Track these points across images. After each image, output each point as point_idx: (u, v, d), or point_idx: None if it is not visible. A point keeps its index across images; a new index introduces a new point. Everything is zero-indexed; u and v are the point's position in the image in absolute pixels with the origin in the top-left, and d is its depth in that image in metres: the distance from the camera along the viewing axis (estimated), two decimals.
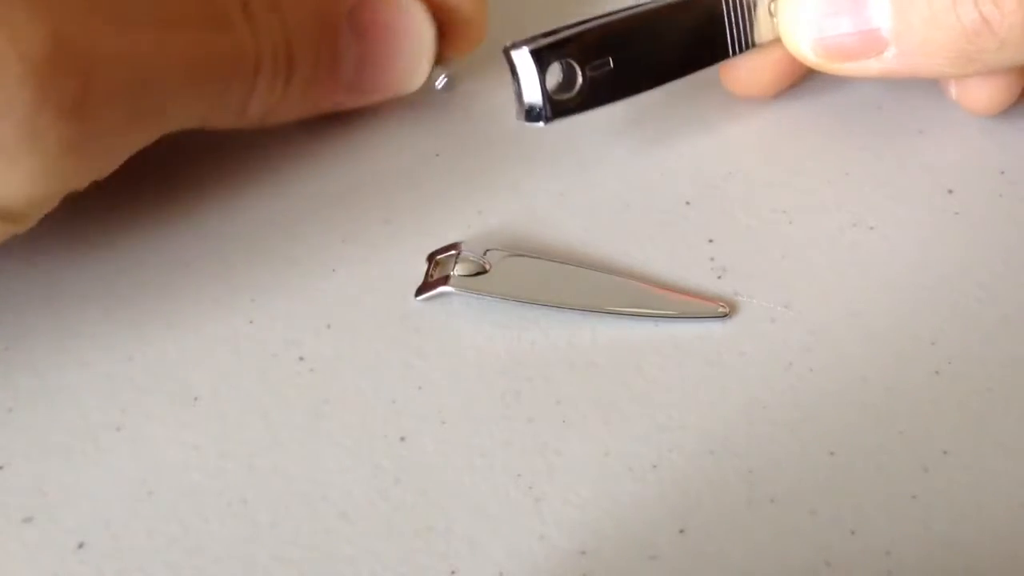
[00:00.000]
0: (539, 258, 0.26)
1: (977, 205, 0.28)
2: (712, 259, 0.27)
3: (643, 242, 0.27)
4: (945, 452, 0.22)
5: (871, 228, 0.27)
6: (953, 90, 0.29)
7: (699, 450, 0.23)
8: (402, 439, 0.23)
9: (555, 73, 0.26)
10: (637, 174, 0.29)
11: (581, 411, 0.24)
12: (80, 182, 0.23)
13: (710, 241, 0.27)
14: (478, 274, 0.26)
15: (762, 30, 0.28)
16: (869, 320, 0.25)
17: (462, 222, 0.28)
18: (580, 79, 0.26)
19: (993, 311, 0.25)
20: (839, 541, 0.21)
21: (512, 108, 0.27)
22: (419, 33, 0.29)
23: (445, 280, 0.26)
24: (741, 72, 0.30)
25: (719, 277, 0.26)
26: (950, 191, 0.28)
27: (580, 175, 0.29)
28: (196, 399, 0.24)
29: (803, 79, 0.31)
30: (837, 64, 0.27)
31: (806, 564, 0.21)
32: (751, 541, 0.21)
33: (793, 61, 0.29)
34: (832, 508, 0.22)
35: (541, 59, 0.26)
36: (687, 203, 0.28)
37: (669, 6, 0.27)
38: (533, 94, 0.26)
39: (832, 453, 0.23)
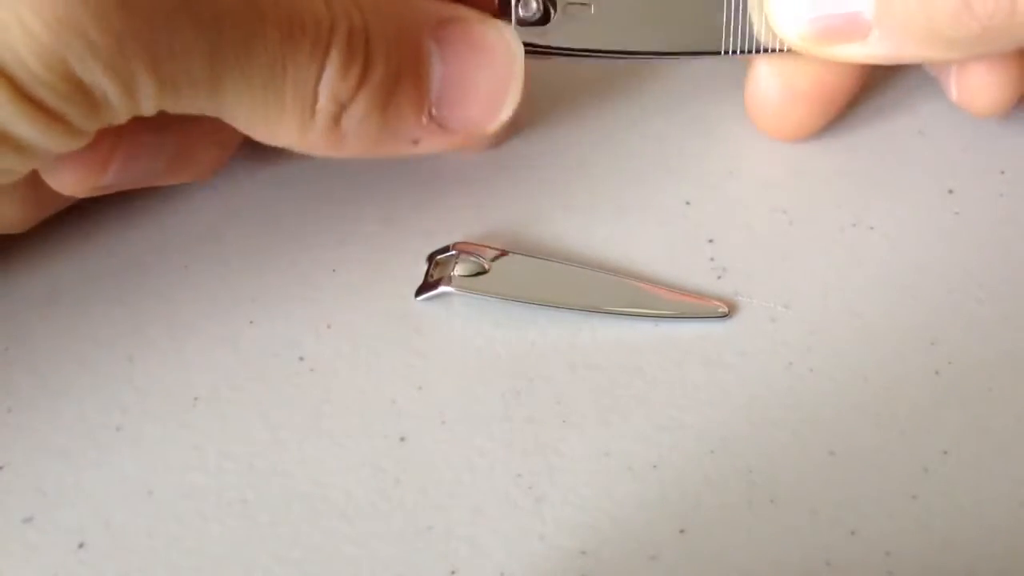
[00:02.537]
0: (539, 258, 0.26)
1: (977, 205, 0.28)
2: (712, 259, 0.27)
3: (643, 242, 0.27)
4: (945, 452, 0.22)
5: (871, 228, 0.27)
6: (954, 91, 0.29)
7: (699, 450, 0.23)
8: (402, 439, 0.23)
9: (534, 2, 0.26)
10: (637, 174, 0.29)
11: (581, 411, 0.24)
12: (113, 70, 0.20)
13: (710, 241, 0.27)
14: (478, 274, 0.26)
15: (754, 18, 0.27)
16: (869, 320, 0.25)
17: (462, 222, 0.28)
18: (554, 11, 0.26)
19: (993, 311, 0.25)
20: (839, 541, 0.21)
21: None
22: (511, 59, 0.26)
23: (445, 280, 0.26)
24: (770, 112, 0.29)
25: (719, 277, 0.26)
26: (950, 191, 0.28)
27: (580, 175, 0.29)
28: (196, 399, 0.24)
29: (836, 119, 0.30)
30: (821, 47, 0.27)
31: (806, 564, 0.21)
32: (751, 541, 0.21)
33: (826, 101, 0.28)
34: (832, 508, 0.22)
35: None
36: (687, 203, 0.28)
37: None
38: (504, 10, 0.26)
39: (832, 453, 0.23)
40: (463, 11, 0.25)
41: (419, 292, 0.26)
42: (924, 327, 0.25)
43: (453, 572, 0.21)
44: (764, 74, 0.28)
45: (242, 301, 0.26)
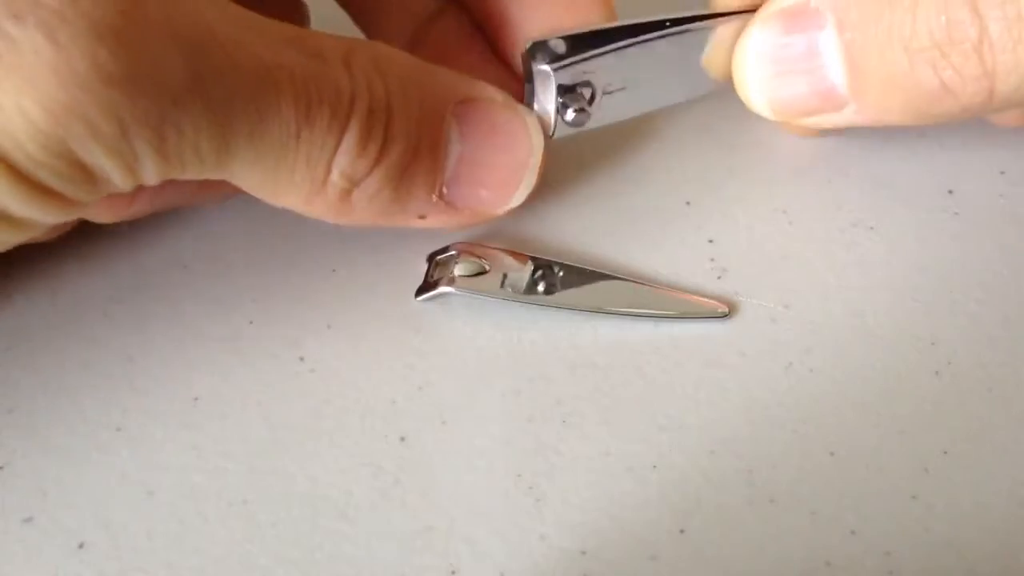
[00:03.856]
0: (539, 258, 0.26)
1: (977, 205, 0.28)
2: (712, 259, 0.27)
3: (643, 242, 0.27)
4: (945, 452, 0.22)
5: (871, 228, 0.27)
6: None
7: (699, 450, 0.23)
8: (402, 439, 0.23)
9: (574, 95, 0.26)
10: (637, 174, 0.29)
11: (581, 411, 0.24)
12: (116, 152, 0.20)
13: (710, 241, 0.27)
14: (478, 274, 0.26)
15: (718, 73, 0.27)
16: (869, 320, 0.25)
17: None
18: (595, 100, 0.26)
19: (993, 311, 0.25)
20: (839, 541, 0.21)
21: None
22: (529, 147, 0.26)
23: (445, 280, 0.26)
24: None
25: (719, 277, 0.26)
26: (950, 191, 0.28)
27: (580, 175, 0.29)
28: (196, 399, 0.24)
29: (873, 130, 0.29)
30: (795, 119, 0.26)
31: (806, 564, 0.21)
32: (751, 541, 0.21)
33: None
34: (832, 508, 0.22)
35: (562, 79, 0.25)
36: (687, 203, 0.28)
37: (685, 31, 0.26)
38: (546, 110, 0.26)
39: (832, 453, 0.23)
40: (488, 90, 0.25)
41: (419, 292, 0.26)
42: (924, 327, 0.25)
43: (453, 572, 0.21)
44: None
45: (242, 301, 0.26)
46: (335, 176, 0.23)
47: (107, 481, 0.23)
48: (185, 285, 0.26)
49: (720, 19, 0.26)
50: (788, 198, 0.28)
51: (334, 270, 0.27)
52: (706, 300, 0.26)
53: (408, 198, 0.24)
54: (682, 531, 0.21)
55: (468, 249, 0.26)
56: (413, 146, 0.23)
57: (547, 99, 0.26)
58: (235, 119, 0.21)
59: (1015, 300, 0.25)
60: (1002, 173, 0.28)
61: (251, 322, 0.26)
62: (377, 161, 0.23)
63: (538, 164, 0.26)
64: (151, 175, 0.20)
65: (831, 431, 0.23)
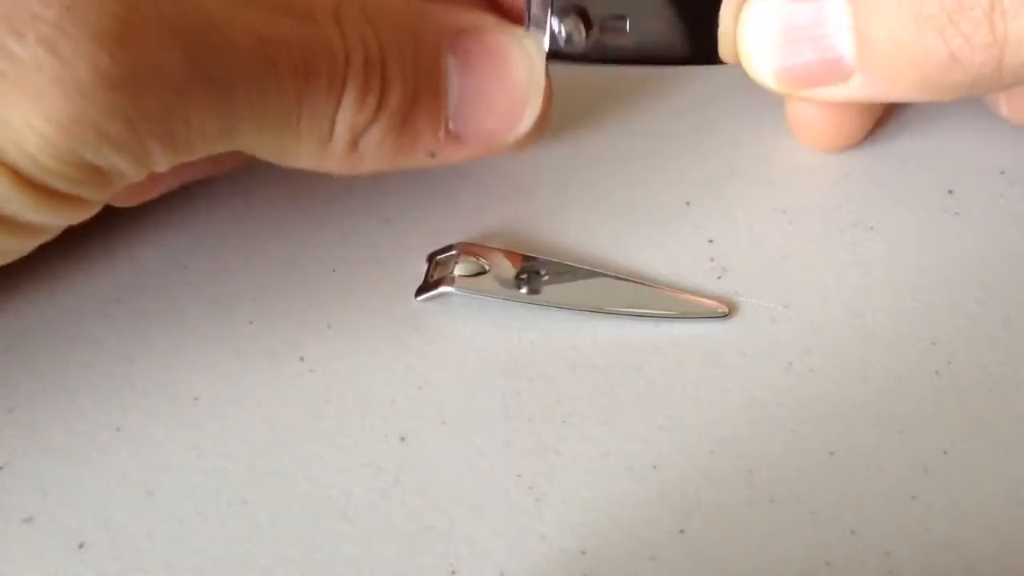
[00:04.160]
0: (539, 258, 0.26)
1: (977, 205, 0.28)
2: (712, 259, 0.27)
3: (643, 242, 0.27)
4: (945, 452, 0.22)
5: (871, 228, 0.27)
6: (1004, 109, 0.28)
7: (699, 450, 0.23)
8: (402, 439, 0.23)
9: (573, 19, 0.26)
10: (637, 174, 0.29)
11: (581, 411, 0.24)
12: (127, 150, 0.20)
13: (710, 241, 0.27)
14: (478, 274, 0.26)
15: (724, 48, 0.27)
16: (869, 320, 0.25)
17: (462, 222, 0.28)
18: (593, 31, 0.26)
19: (993, 311, 0.25)
20: (839, 541, 0.21)
21: None
22: (530, 70, 0.25)
23: (445, 280, 0.26)
24: (811, 126, 0.28)
25: (719, 277, 0.26)
26: (950, 191, 0.28)
27: (580, 175, 0.29)
28: (196, 399, 0.24)
29: (874, 130, 0.30)
30: (799, 91, 0.26)
31: (806, 564, 0.21)
32: (751, 541, 0.21)
33: (864, 110, 0.28)
34: (832, 508, 0.22)
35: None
36: (687, 203, 0.28)
37: None
38: (541, 30, 0.26)
39: (832, 453, 0.23)
40: (481, 18, 0.25)
41: (419, 292, 0.26)
42: (924, 327, 0.25)
43: (453, 572, 0.21)
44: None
45: (242, 301, 0.26)
46: (339, 131, 0.23)
47: (107, 481, 0.23)
48: (185, 285, 0.26)
49: None
50: (788, 198, 0.28)
51: (334, 270, 0.27)
52: (706, 300, 0.26)
53: (415, 140, 0.24)
54: (682, 531, 0.21)
55: (468, 249, 0.26)
56: (411, 90, 0.24)
57: (543, 18, 0.25)
58: (238, 99, 0.21)
59: (1015, 300, 0.25)
60: (1002, 173, 0.28)
61: (251, 322, 0.26)
62: (378, 110, 0.23)
63: (541, 87, 0.25)
64: (163, 164, 0.21)
65: (831, 431, 0.23)
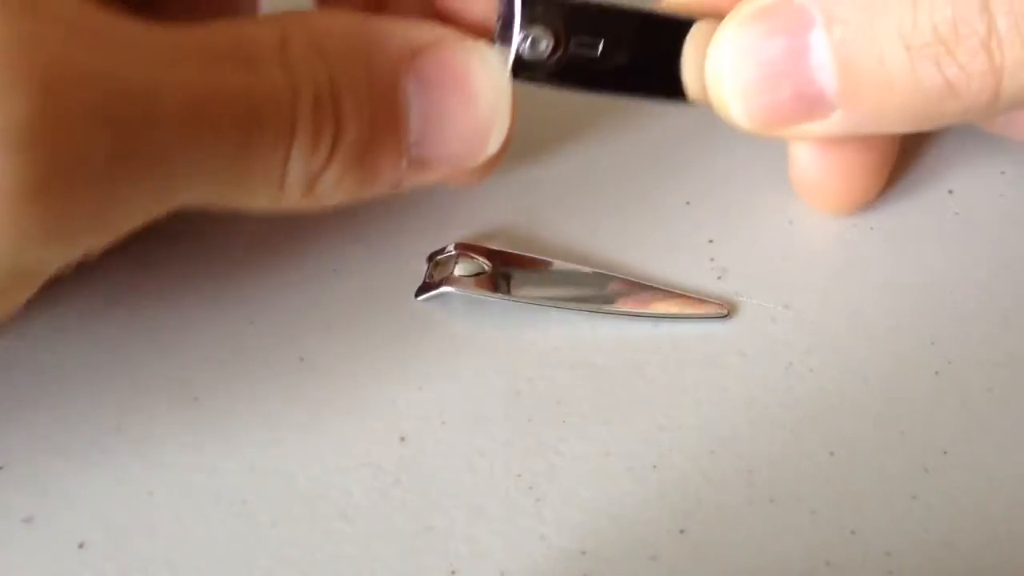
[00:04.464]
0: (539, 258, 0.26)
1: (977, 205, 0.28)
2: (712, 259, 0.27)
3: (643, 242, 0.27)
4: (945, 452, 0.22)
5: (871, 228, 0.27)
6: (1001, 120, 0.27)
7: (699, 450, 0.23)
8: (402, 439, 0.23)
9: (542, 34, 0.24)
10: (637, 174, 0.29)
11: (581, 411, 0.24)
12: (54, 263, 0.20)
13: (710, 241, 0.27)
14: (478, 274, 0.26)
15: (691, 84, 0.25)
16: (869, 320, 0.25)
17: (462, 222, 0.28)
18: (562, 50, 0.24)
19: (993, 311, 0.25)
20: (839, 541, 0.21)
21: None
22: (495, 90, 0.24)
23: (445, 280, 0.26)
24: (819, 191, 0.27)
25: (719, 277, 0.26)
26: (950, 191, 0.28)
27: (580, 175, 0.29)
28: (196, 399, 0.24)
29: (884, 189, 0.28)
30: (775, 130, 0.24)
31: (806, 564, 0.21)
32: (751, 541, 0.21)
33: (872, 168, 0.26)
34: (832, 508, 0.22)
35: (527, 8, 0.23)
36: (687, 203, 0.28)
37: (677, 18, 0.25)
38: (506, 46, 0.24)
39: (832, 453, 0.23)
40: (440, 33, 0.23)
41: (419, 292, 0.26)
42: (924, 327, 0.25)
43: (453, 572, 0.21)
44: (803, 153, 0.26)
45: (242, 301, 0.26)
46: (292, 179, 0.22)
47: (107, 481, 0.23)
48: (185, 285, 0.26)
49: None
50: (788, 198, 0.28)
51: (334, 270, 0.27)
52: (706, 300, 0.26)
53: (376, 174, 0.23)
54: (682, 531, 0.21)
55: (468, 249, 0.26)
56: (368, 123, 0.22)
57: (509, 34, 0.24)
58: (174, 166, 0.20)
59: (1015, 300, 0.25)
60: (1002, 173, 0.28)
61: (251, 322, 0.26)
62: (333, 151, 0.22)
63: (508, 106, 0.24)
64: (97, 245, 0.20)
65: (831, 431, 0.23)
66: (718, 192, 0.28)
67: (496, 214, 0.28)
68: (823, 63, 0.22)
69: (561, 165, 0.29)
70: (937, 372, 0.24)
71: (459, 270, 0.26)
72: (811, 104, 0.23)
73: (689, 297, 0.26)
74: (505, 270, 0.26)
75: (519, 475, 0.23)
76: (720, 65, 0.23)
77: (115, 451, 0.23)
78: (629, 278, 0.26)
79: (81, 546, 0.22)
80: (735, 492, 0.22)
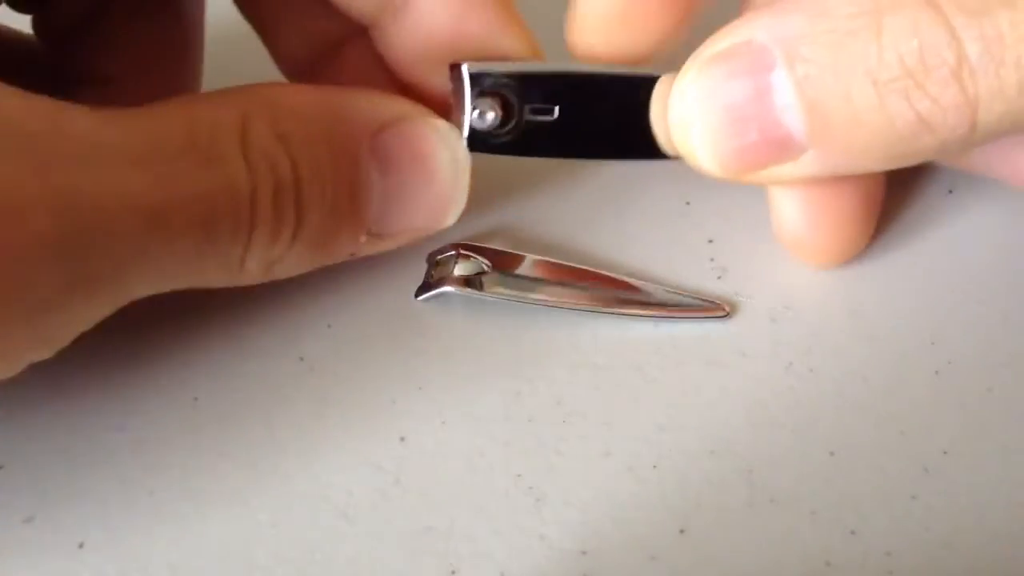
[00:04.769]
0: (539, 258, 0.26)
1: (977, 205, 0.28)
2: (712, 259, 0.27)
3: (643, 242, 0.27)
4: (945, 452, 0.22)
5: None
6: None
7: (699, 450, 0.23)
8: (402, 439, 0.23)
9: (492, 106, 0.24)
10: (637, 174, 0.29)
11: (581, 411, 0.24)
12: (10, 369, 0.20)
13: (710, 241, 0.27)
14: (478, 274, 0.26)
15: (661, 137, 0.24)
16: (869, 320, 0.25)
17: (462, 222, 0.28)
18: (516, 117, 0.24)
19: (993, 311, 0.25)
20: (839, 541, 0.21)
21: None
22: (455, 166, 0.24)
23: (445, 280, 0.26)
24: (805, 244, 0.26)
25: (719, 277, 0.26)
26: (950, 191, 0.28)
27: (580, 174, 0.29)
28: (196, 399, 0.24)
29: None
30: (744, 176, 0.23)
31: (806, 564, 0.21)
32: (751, 541, 0.21)
33: (859, 216, 0.25)
34: (832, 508, 0.22)
35: (476, 81, 0.24)
36: (687, 203, 0.28)
37: (630, 77, 0.24)
38: (459, 114, 0.24)
39: (832, 453, 0.23)
40: (401, 108, 0.23)
41: (419, 292, 0.26)
42: (923, 327, 0.25)
43: (453, 572, 0.21)
44: (785, 204, 0.25)
45: (242, 301, 0.26)
46: (251, 265, 0.22)
47: (108, 481, 0.23)
48: None
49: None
50: None
51: (334, 270, 0.27)
52: (707, 300, 0.26)
53: (335, 250, 0.23)
54: (682, 531, 0.21)
55: (468, 249, 0.26)
56: (330, 207, 0.22)
57: (463, 107, 0.24)
58: (128, 279, 0.20)
59: (1014, 300, 0.25)
60: None
61: (251, 322, 0.26)
62: (295, 239, 0.22)
63: (466, 181, 0.24)
64: (46, 355, 0.20)
65: (831, 431, 0.23)
66: (718, 192, 0.28)
67: (496, 214, 0.28)
68: (789, 103, 0.21)
69: (561, 165, 0.29)
70: (937, 372, 0.24)
71: (459, 270, 0.26)
72: (780, 146, 0.22)
73: (689, 297, 0.26)
74: (505, 270, 0.26)
75: (519, 475, 0.23)
76: (683, 113, 0.23)
77: (116, 451, 0.23)
78: (630, 278, 0.26)
79: (81, 546, 0.22)
80: (735, 492, 0.22)
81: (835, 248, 0.26)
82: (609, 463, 0.23)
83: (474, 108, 0.24)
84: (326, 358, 0.25)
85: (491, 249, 0.26)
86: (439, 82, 0.25)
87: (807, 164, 0.22)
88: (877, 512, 0.22)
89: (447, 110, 0.25)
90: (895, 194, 0.28)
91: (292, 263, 0.23)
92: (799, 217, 0.25)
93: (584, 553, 0.21)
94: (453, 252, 0.26)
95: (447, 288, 0.25)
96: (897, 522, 0.21)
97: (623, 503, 0.22)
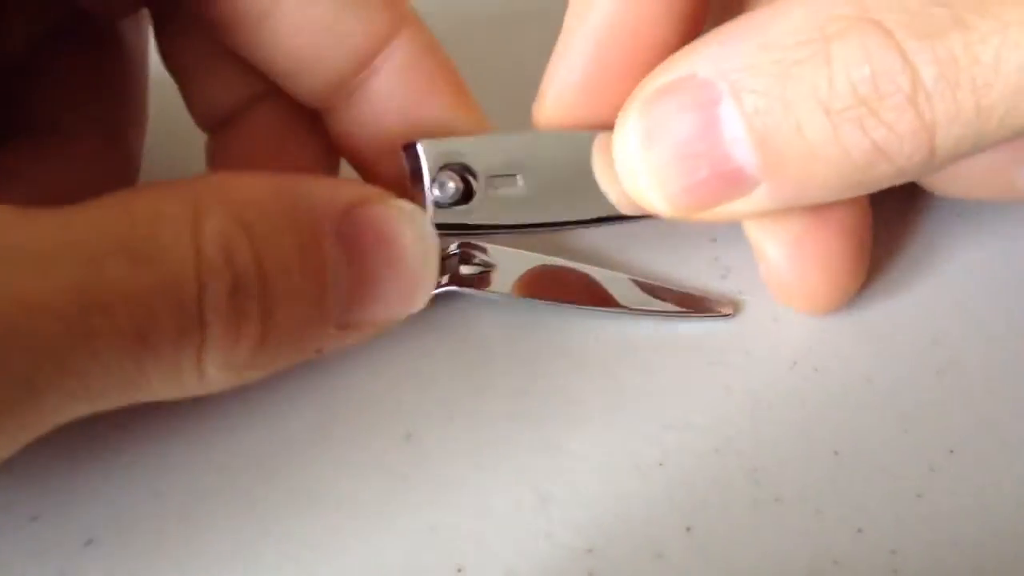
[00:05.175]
0: (544, 256, 0.26)
1: (979, 206, 0.28)
2: (716, 258, 0.27)
3: (647, 241, 0.27)
4: (951, 451, 0.23)
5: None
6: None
7: (704, 449, 0.23)
8: (408, 437, 0.23)
9: (452, 176, 0.23)
10: None
11: (586, 410, 0.24)
12: None
13: (713, 240, 0.27)
14: (483, 273, 0.26)
15: (611, 193, 0.24)
16: (873, 319, 0.25)
17: None
18: (477, 190, 0.23)
19: (996, 311, 0.25)
20: (845, 540, 0.21)
21: None
22: (423, 248, 0.22)
23: (450, 280, 0.26)
24: (795, 291, 0.25)
25: (723, 276, 0.26)
26: None
27: None
28: (202, 398, 0.24)
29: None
30: (695, 214, 0.22)
31: (812, 563, 0.21)
32: (757, 540, 0.21)
33: (849, 261, 0.24)
34: (838, 507, 0.22)
35: (431, 155, 0.23)
36: None
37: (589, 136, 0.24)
38: (418, 192, 0.23)
39: (837, 452, 0.23)
40: (362, 191, 0.22)
41: None
42: (927, 326, 0.25)
43: (459, 570, 0.21)
44: (772, 249, 0.24)
45: None
46: (212, 371, 0.20)
47: (114, 479, 0.23)
48: None
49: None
50: None
51: None
52: (710, 299, 0.26)
53: (303, 346, 0.21)
54: (688, 529, 0.22)
55: (472, 248, 0.26)
56: (298, 302, 0.20)
57: (423, 183, 0.23)
58: (44, 399, 0.18)
59: (1017, 299, 0.25)
60: None
61: None
62: (263, 337, 0.20)
63: (435, 261, 0.23)
64: None
65: (836, 430, 0.23)
66: None
67: None
68: (738, 137, 0.20)
69: None
70: (940, 371, 0.24)
71: (464, 269, 0.26)
72: (732, 182, 0.21)
73: (694, 296, 0.26)
74: (510, 269, 0.26)
75: (524, 473, 0.23)
76: (628, 154, 0.22)
77: (122, 449, 0.23)
78: (634, 277, 0.26)
79: (88, 543, 0.22)
80: (741, 491, 0.22)
81: (825, 296, 0.25)
82: (615, 461, 0.23)
83: (433, 180, 0.23)
84: (332, 356, 0.25)
85: (495, 247, 0.26)
86: (391, 164, 0.24)
87: (761, 198, 0.21)
88: (883, 511, 0.22)
89: (403, 192, 0.23)
90: (897, 192, 0.28)
91: (262, 364, 0.21)
92: (786, 266, 0.24)
93: (590, 551, 0.21)
94: (457, 251, 0.26)
95: (452, 287, 0.25)
96: (903, 521, 0.21)
97: (629, 501, 0.22)
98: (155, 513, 0.22)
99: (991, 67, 0.18)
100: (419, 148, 0.23)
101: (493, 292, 0.25)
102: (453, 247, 0.26)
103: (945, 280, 0.26)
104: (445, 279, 0.26)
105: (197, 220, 0.19)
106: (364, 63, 0.24)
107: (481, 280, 0.26)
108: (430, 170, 0.23)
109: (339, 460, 0.23)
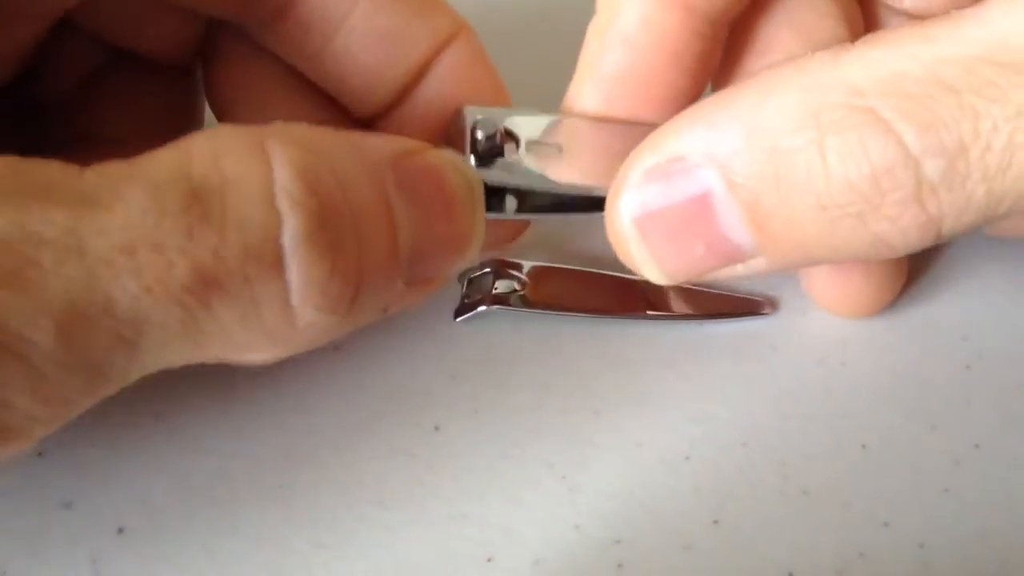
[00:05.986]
0: (576, 268, 0.26)
1: None
2: None
3: None
4: (977, 446, 0.23)
5: None
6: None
7: (731, 442, 0.23)
8: (436, 428, 0.23)
9: (493, 142, 0.23)
10: None
11: (613, 403, 0.24)
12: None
13: None
14: (517, 290, 0.25)
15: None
16: (900, 314, 0.25)
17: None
18: (518, 154, 0.23)
19: (1022, 305, 0.25)
20: (872, 533, 0.21)
21: None
22: (470, 187, 0.22)
23: (484, 300, 0.25)
24: (828, 292, 0.25)
25: None
26: None
27: None
28: (233, 387, 0.24)
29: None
30: (693, 280, 0.21)
31: (840, 556, 0.21)
32: (784, 532, 0.21)
33: (894, 271, 0.25)
34: (865, 500, 0.22)
35: (473, 117, 0.23)
36: None
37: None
38: (467, 154, 0.23)
39: (864, 446, 0.23)
40: (410, 141, 0.21)
41: (458, 314, 0.26)
42: (955, 322, 0.25)
43: (489, 559, 0.21)
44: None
45: None
46: (304, 312, 0.18)
47: (146, 466, 0.23)
48: None
49: None
50: None
51: None
52: (750, 298, 0.26)
53: (379, 299, 0.20)
54: (716, 522, 0.22)
55: (504, 266, 0.26)
56: (379, 238, 0.20)
57: (463, 142, 0.23)
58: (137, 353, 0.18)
59: None
60: None
61: None
62: (359, 274, 0.19)
63: (483, 209, 0.22)
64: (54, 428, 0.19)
65: (863, 424, 0.23)
66: None
67: (532, 227, 0.27)
68: (732, 220, 0.19)
69: None
70: (968, 366, 0.24)
71: (499, 287, 0.25)
72: (730, 256, 0.20)
73: (734, 297, 0.26)
74: (542, 283, 0.26)
75: (552, 464, 0.23)
76: (620, 233, 0.21)
77: (153, 438, 0.23)
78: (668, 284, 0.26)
79: (120, 531, 0.22)
80: (768, 484, 0.22)
81: (868, 302, 0.25)
82: (642, 454, 0.23)
83: (475, 141, 0.23)
84: (361, 347, 0.25)
85: (527, 263, 0.26)
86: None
87: (760, 265, 0.20)
88: (909, 504, 0.22)
89: None
90: None
91: (354, 310, 0.20)
92: (828, 275, 0.24)
93: (618, 542, 0.21)
94: (488, 270, 0.26)
95: (488, 307, 0.25)
96: (929, 514, 0.22)
97: (656, 493, 0.22)
98: (186, 501, 0.22)
99: (1005, 153, 0.17)
100: (464, 110, 0.23)
101: (529, 309, 0.25)
102: (486, 268, 0.26)
103: (974, 276, 0.26)
104: (479, 298, 0.25)
105: (263, 152, 0.18)
106: (425, 70, 0.24)
107: (514, 298, 0.25)
108: (472, 131, 0.23)
109: (367, 449, 0.23)
